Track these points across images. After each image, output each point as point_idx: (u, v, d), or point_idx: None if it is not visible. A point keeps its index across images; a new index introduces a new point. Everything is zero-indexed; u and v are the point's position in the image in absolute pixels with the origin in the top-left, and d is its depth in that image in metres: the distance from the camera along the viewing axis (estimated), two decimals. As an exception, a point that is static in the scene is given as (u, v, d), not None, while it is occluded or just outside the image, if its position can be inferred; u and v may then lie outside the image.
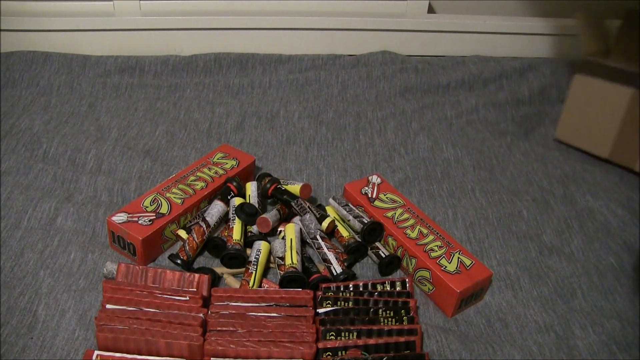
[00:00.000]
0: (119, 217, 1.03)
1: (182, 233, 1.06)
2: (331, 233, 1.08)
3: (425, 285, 0.99)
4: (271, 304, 0.89)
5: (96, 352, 0.83)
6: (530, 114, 1.50)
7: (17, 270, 0.99)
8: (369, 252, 1.05)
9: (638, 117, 1.25)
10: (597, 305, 1.01)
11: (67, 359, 0.87)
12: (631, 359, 0.91)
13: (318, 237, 1.02)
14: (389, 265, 1.03)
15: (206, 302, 0.92)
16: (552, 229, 1.16)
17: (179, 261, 1.01)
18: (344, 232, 1.07)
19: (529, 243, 1.12)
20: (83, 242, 1.06)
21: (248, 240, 1.05)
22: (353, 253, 1.04)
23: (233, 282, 0.99)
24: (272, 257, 1.03)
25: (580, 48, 1.31)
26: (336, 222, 1.08)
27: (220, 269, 1.02)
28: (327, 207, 1.13)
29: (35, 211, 1.10)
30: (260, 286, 0.98)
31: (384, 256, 1.02)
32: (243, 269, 1.01)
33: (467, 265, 0.97)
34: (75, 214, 1.11)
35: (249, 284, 0.96)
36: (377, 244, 1.05)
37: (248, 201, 1.10)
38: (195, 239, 1.03)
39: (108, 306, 0.88)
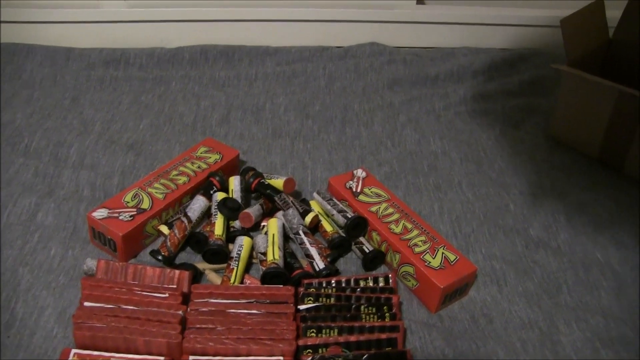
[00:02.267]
0: (99, 213, 1.01)
1: (164, 228, 1.04)
2: (315, 228, 1.07)
3: (410, 281, 0.98)
4: (251, 300, 0.88)
5: (73, 351, 0.82)
6: (520, 105, 1.48)
7: (-4, 267, 0.98)
8: (353, 247, 1.04)
9: (621, 125, 1.24)
10: (582, 300, 1.00)
11: (44, 358, 0.85)
12: (614, 355, 0.90)
13: (301, 232, 1.00)
14: (372, 260, 1.01)
15: (187, 299, 0.90)
16: (539, 222, 1.14)
17: (160, 257, 0.99)
18: (327, 227, 1.05)
19: (516, 237, 1.11)
20: (64, 238, 1.04)
21: (230, 236, 1.04)
22: (337, 248, 1.03)
23: (215, 278, 0.98)
24: (254, 253, 1.01)
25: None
26: (320, 216, 1.06)
27: (202, 265, 1.00)
28: (311, 202, 1.11)
29: (15, 207, 1.08)
30: (242, 282, 0.97)
31: (367, 251, 1.01)
32: (225, 265, 0.99)
33: (452, 260, 0.96)
34: (56, 210, 1.09)
35: (230, 280, 0.94)
36: (361, 239, 1.04)
37: (231, 196, 1.08)
38: (177, 235, 1.01)
39: (86, 304, 0.87)
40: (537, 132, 1.40)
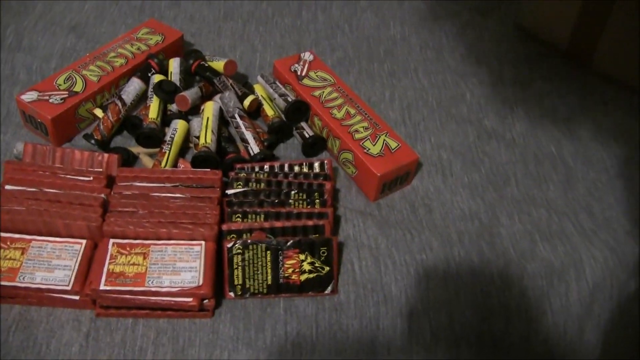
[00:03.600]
0: (29, 96, 0.96)
1: (98, 112, 0.99)
2: (257, 112, 1.02)
3: (349, 168, 0.94)
4: (177, 184, 0.84)
5: (-6, 233, 0.79)
6: (492, -9, 1.39)
7: None
8: (294, 132, 0.99)
9: (592, 15, 1.16)
10: (528, 193, 0.96)
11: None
12: (551, 248, 0.88)
13: (237, 115, 0.95)
14: (313, 146, 0.97)
15: (114, 183, 0.87)
16: (495, 113, 1.09)
17: (93, 141, 0.95)
18: (269, 111, 1.00)
19: (468, 127, 1.06)
20: (-5, 122, 1.00)
21: (167, 119, 0.99)
22: (276, 133, 0.98)
23: (148, 162, 0.94)
24: (190, 137, 0.97)
25: None
26: (262, 100, 1.01)
27: (136, 149, 0.96)
28: (255, 86, 1.05)
29: (-57, 90, 1.04)
30: (175, 166, 0.93)
31: (307, 137, 0.97)
32: (159, 149, 0.95)
33: (393, 148, 0.92)
34: (-12, 93, 1.04)
35: (160, 164, 0.90)
36: (303, 124, 0.99)
37: (170, 79, 1.02)
38: (110, 118, 0.96)
39: (7, 187, 0.83)
40: (505, 21, 1.32)
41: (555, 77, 1.18)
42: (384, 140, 0.93)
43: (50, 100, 0.95)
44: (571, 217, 0.93)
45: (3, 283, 0.75)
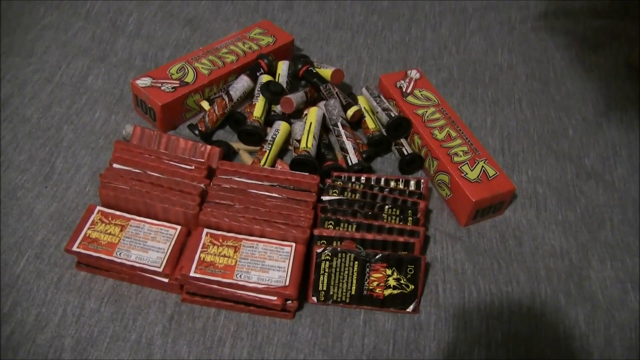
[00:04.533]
0: (143, 81, 1.00)
1: (205, 104, 1.03)
2: (358, 123, 1.03)
3: (444, 190, 0.94)
4: (274, 184, 0.86)
5: (98, 208, 0.84)
6: (604, 28, 1.35)
7: (43, 122, 1.00)
8: (393, 147, 1.00)
9: None
10: (624, 240, 0.93)
11: (75, 210, 0.88)
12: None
13: (339, 124, 0.97)
14: (410, 163, 0.97)
15: (213, 175, 0.90)
16: (597, 153, 1.06)
17: (196, 132, 0.99)
18: (370, 123, 1.01)
19: (567, 164, 1.03)
20: (109, 102, 1.05)
21: (270, 120, 1.01)
22: (375, 146, 0.99)
23: (247, 159, 0.97)
24: (291, 139, 0.99)
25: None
26: (364, 112, 1.02)
27: (237, 145, 0.99)
28: (359, 97, 1.07)
29: (68, 68, 1.10)
30: (273, 166, 0.95)
31: (406, 154, 0.97)
32: (259, 147, 0.98)
33: (490, 175, 0.91)
34: (106, 75, 1.10)
35: (260, 162, 0.93)
36: (402, 140, 1.00)
37: (277, 80, 1.05)
38: (216, 112, 1.00)
39: (115, 165, 0.88)
40: (617, 59, 1.28)
41: (666, 123, 1.14)
42: (483, 166, 0.92)
43: (162, 88, 1.00)
44: (670, 271, 0.89)
45: (101, 256, 0.78)
